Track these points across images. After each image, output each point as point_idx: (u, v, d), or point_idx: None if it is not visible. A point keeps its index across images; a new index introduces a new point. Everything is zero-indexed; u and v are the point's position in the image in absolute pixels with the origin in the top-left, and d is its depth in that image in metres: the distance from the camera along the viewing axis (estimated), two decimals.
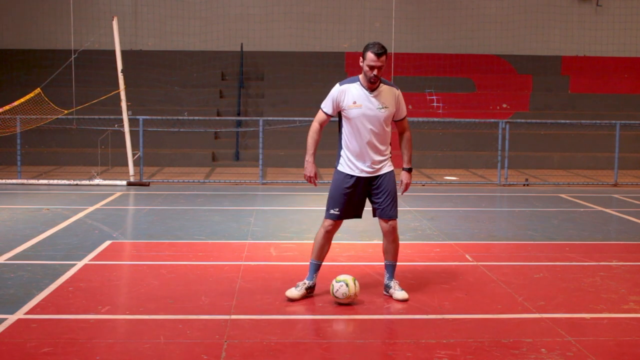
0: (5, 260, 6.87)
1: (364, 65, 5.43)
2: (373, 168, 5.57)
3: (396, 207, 5.68)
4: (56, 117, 13.26)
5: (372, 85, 5.47)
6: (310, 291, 5.67)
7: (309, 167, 5.63)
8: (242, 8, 19.66)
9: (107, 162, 13.97)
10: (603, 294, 5.91)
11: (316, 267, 5.72)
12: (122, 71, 12.99)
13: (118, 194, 11.84)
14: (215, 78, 19.29)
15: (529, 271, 6.64)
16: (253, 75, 19.58)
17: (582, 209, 10.72)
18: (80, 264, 6.67)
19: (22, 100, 12.77)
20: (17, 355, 4.42)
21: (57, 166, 15.62)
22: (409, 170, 5.80)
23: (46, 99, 12.91)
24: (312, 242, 5.78)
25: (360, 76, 5.54)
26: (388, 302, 5.58)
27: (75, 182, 12.86)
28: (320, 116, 5.63)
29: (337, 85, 5.58)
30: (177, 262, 6.85)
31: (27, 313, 5.21)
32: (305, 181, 5.76)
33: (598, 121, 15.00)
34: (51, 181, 13.01)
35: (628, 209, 10.80)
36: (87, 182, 12.86)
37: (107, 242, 7.70)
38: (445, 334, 4.87)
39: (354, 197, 5.60)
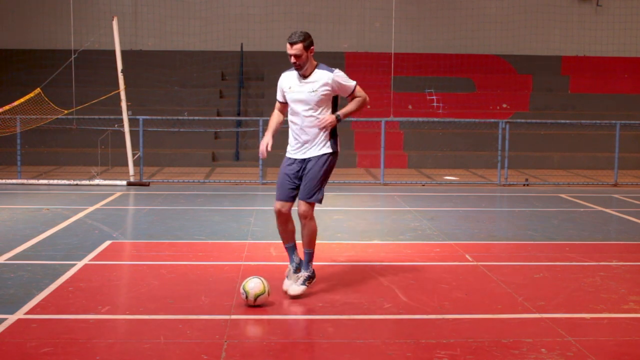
0: (5, 260, 6.87)
1: None
2: (305, 150, 5.73)
3: (315, 190, 5.66)
4: (56, 117, 13.26)
5: (302, 72, 5.59)
6: (298, 271, 5.78)
7: (263, 140, 5.89)
8: (242, 8, 19.65)
9: (107, 162, 13.97)
10: (603, 294, 5.91)
11: (290, 249, 5.89)
12: (122, 71, 12.99)
13: (118, 194, 11.84)
14: (215, 78, 19.27)
15: (529, 271, 6.64)
16: (253, 75, 19.57)
17: (582, 209, 10.71)
18: (80, 264, 6.67)
19: (22, 100, 12.77)
20: (17, 355, 4.42)
21: (57, 166, 15.61)
22: (337, 117, 5.63)
23: (46, 99, 12.90)
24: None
25: None
26: (388, 302, 5.58)
27: (75, 182, 12.85)
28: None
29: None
30: (177, 262, 6.86)
31: (27, 313, 5.21)
32: None
33: (598, 121, 14.99)
34: (51, 181, 13.01)
35: (628, 209, 10.79)
36: (87, 182, 12.86)
37: (107, 242, 7.71)
38: (445, 334, 4.87)
39: (289, 178, 5.76)
